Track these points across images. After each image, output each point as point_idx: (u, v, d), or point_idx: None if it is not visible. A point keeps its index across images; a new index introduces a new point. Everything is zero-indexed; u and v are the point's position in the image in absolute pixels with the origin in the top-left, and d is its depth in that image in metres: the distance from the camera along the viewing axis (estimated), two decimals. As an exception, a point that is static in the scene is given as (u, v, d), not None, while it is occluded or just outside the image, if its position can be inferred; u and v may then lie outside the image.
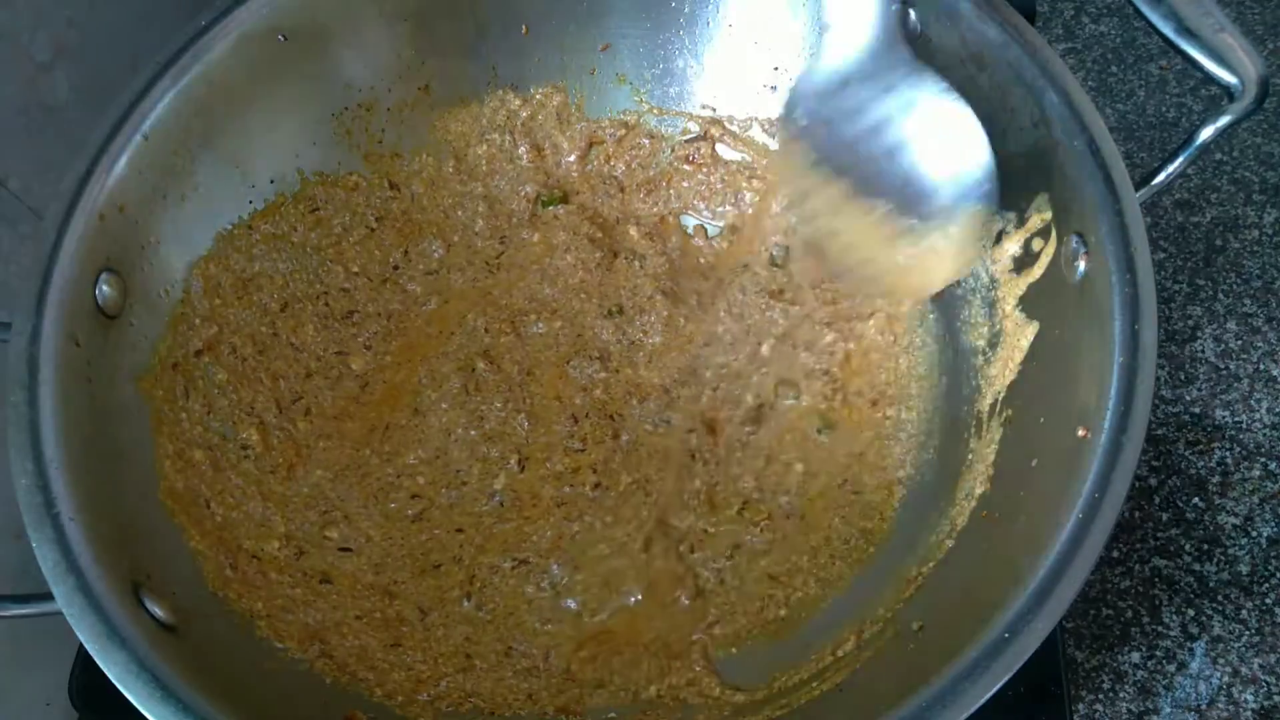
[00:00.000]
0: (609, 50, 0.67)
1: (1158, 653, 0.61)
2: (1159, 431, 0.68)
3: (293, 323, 0.64)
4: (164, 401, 0.55)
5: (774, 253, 0.68)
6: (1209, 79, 0.47)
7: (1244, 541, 0.64)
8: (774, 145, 0.68)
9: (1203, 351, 0.70)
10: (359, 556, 0.59)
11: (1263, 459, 0.66)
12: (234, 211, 0.61)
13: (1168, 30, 0.47)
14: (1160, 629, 0.62)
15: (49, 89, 0.61)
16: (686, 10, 0.65)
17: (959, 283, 0.59)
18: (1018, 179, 0.53)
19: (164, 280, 0.56)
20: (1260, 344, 0.70)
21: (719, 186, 0.70)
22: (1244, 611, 0.62)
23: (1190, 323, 0.71)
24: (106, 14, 0.64)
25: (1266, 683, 0.60)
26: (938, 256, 0.51)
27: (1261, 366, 0.69)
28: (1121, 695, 0.60)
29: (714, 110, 0.68)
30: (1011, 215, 0.54)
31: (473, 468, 0.62)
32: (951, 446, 0.58)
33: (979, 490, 0.52)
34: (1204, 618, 0.62)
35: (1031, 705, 0.56)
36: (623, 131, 0.70)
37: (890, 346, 0.63)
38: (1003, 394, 0.54)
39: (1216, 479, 0.66)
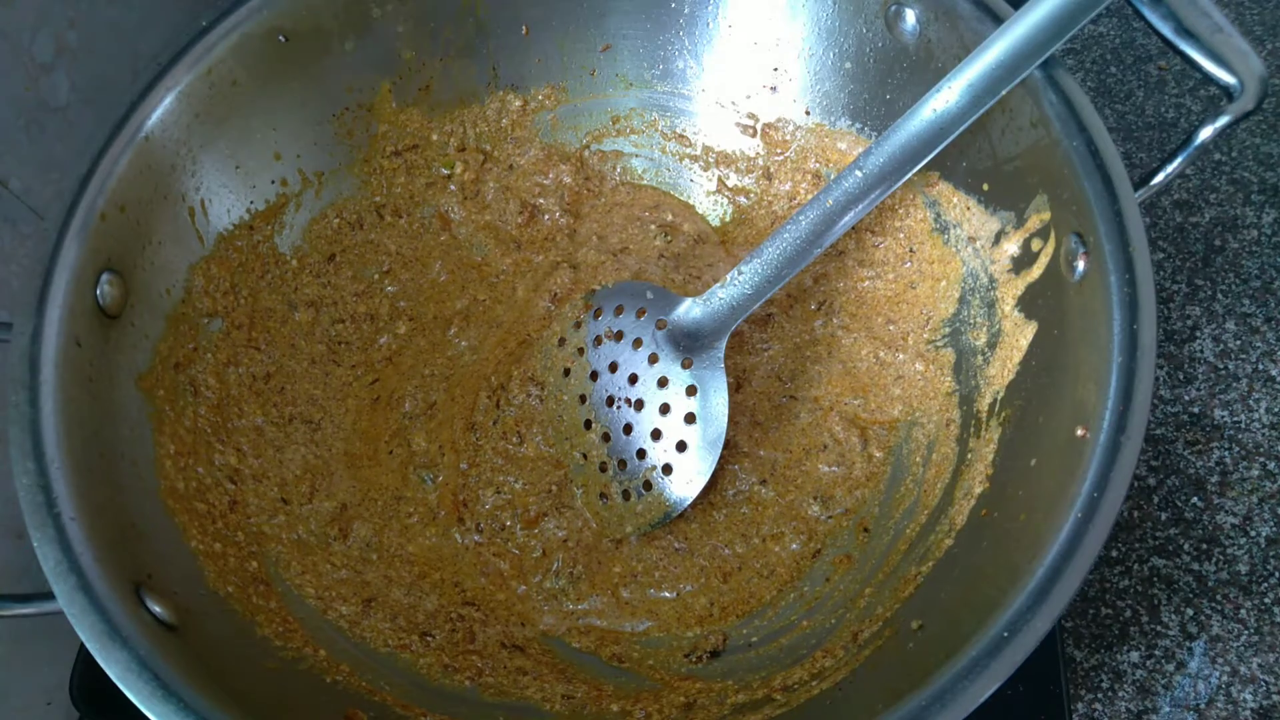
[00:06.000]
0: (609, 50, 0.67)
1: (1156, 652, 0.61)
2: (1158, 431, 0.68)
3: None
4: (164, 401, 0.55)
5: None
6: (1208, 79, 0.47)
7: (1243, 541, 0.64)
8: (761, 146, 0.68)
9: (1201, 351, 0.70)
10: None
11: (1261, 459, 0.66)
12: (234, 211, 0.61)
13: (1167, 31, 0.47)
14: (1159, 628, 0.62)
15: (50, 89, 0.61)
16: (686, 11, 0.65)
17: (958, 283, 0.59)
18: (1017, 179, 0.54)
19: (165, 280, 0.56)
20: (1259, 344, 0.70)
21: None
22: (1243, 611, 0.62)
23: (1189, 323, 0.71)
24: (107, 14, 0.64)
25: (1265, 682, 0.60)
26: None
27: (1260, 366, 0.69)
28: (1120, 694, 0.60)
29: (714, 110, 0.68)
30: (1010, 215, 0.55)
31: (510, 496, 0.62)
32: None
33: (978, 489, 0.53)
34: (1203, 617, 0.62)
35: (1031, 705, 0.56)
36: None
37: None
38: (1002, 394, 0.54)
39: (1215, 479, 0.66)
